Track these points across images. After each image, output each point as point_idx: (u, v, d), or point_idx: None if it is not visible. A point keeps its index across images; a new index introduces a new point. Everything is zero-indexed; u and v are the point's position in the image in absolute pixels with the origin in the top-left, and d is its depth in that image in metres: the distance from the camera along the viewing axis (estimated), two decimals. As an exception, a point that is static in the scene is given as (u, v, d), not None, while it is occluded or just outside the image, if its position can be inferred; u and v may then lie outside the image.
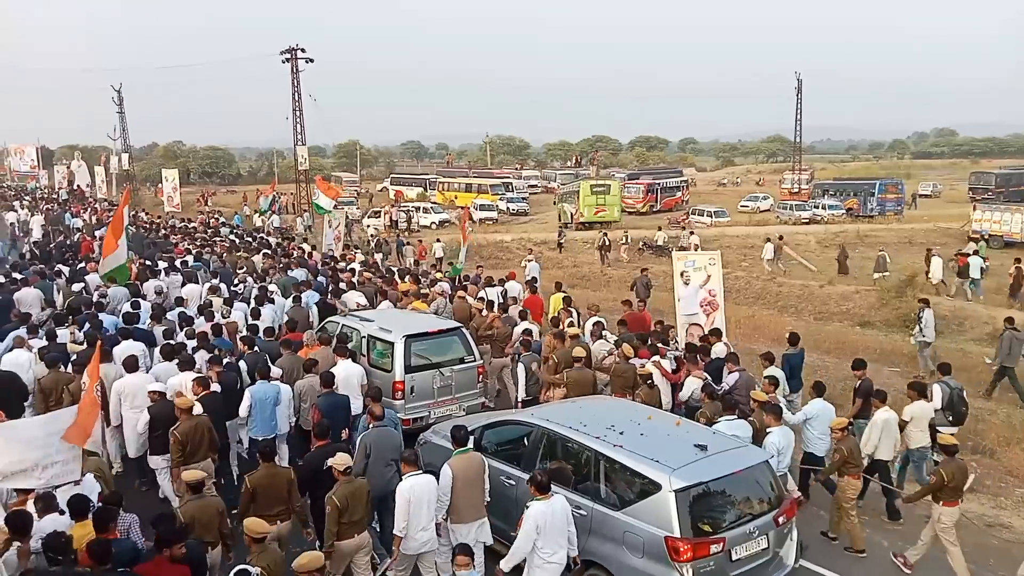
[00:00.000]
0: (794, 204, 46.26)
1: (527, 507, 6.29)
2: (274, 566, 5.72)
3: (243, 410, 8.62)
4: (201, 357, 9.66)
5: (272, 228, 34.43)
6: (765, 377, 9.68)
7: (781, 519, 6.77)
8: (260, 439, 8.44)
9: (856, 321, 22.47)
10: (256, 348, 10.24)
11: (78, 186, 56.37)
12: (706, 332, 12.81)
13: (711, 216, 43.28)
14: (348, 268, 18.21)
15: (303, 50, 45.12)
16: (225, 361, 9.47)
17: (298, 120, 45.94)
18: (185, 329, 11.13)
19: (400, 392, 10.14)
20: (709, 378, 9.72)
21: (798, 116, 55.90)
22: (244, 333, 11.12)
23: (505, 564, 6.40)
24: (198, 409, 7.86)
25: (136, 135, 71.35)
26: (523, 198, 53.22)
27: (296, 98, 45.60)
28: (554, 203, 49.85)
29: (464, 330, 11.39)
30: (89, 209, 37.37)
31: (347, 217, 32.86)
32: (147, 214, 37.40)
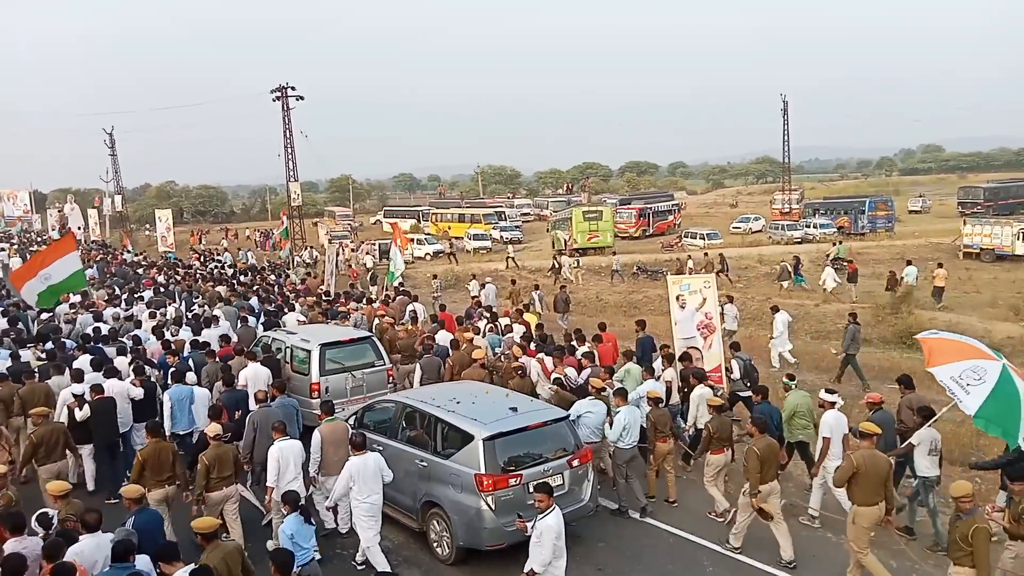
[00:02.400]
0: (785, 224, 46.56)
1: (349, 463, 8.12)
2: (230, 560, 6.17)
3: (166, 409, 10.42)
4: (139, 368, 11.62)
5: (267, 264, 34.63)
6: (614, 369, 11.83)
7: (575, 463, 8.65)
8: (180, 433, 10.37)
9: (853, 339, 22.45)
10: (183, 358, 12.28)
11: (70, 229, 56.43)
12: (704, 355, 12.95)
13: (704, 238, 43.49)
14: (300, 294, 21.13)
15: (293, 88, 45.46)
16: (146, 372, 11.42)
17: (290, 156, 46.19)
18: (134, 348, 13.23)
19: (316, 392, 12.01)
20: (569, 375, 11.56)
21: (785, 137, 56.43)
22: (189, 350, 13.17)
23: (328, 502, 8.68)
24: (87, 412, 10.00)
25: (128, 176, 71.72)
26: (516, 226, 53.39)
27: (287, 135, 45.86)
28: (547, 230, 50.02)
29: (375, 339, 13.44)
30: (79, 250, 37.57)
31: (339, 251, 32.98)
32: (140, 253, 37.69)
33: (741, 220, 53.04)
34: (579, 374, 11.71)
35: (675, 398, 11.96)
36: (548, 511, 6.68)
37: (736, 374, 12.48)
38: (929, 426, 8.82)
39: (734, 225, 51.74)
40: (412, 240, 43.74)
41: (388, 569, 7.67)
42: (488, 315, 16.50)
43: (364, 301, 19.58)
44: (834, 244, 35.62)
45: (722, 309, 17.70)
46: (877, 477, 7.59)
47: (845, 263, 30.84)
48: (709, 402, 9.83)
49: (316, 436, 8.92)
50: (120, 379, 11.03)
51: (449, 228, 53.97)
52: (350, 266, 36.26)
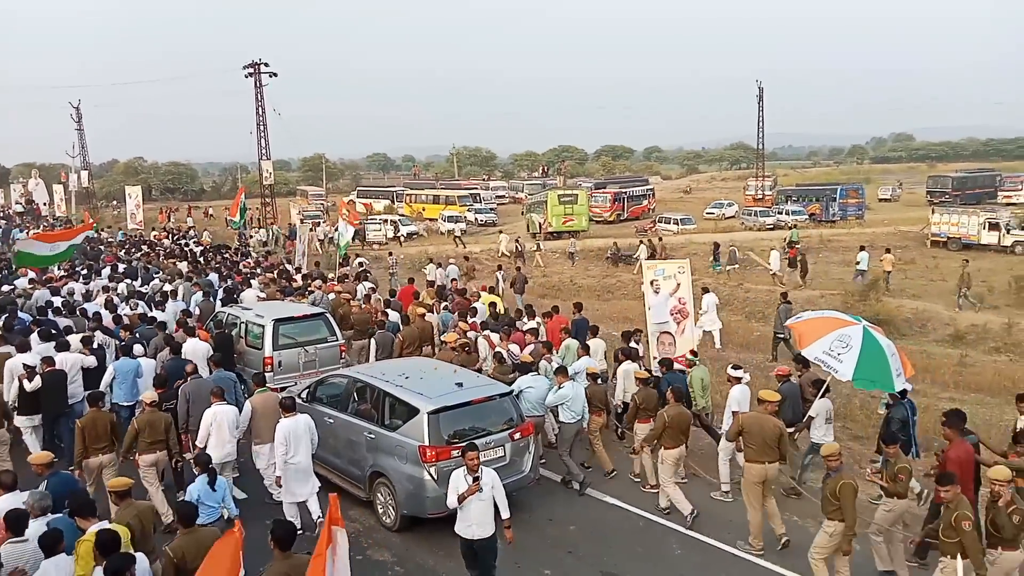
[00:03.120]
0: (758, 210, 46.95)
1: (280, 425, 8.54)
2: (143, 517, 6.50)
3: (105, 379, 10.72)
4: (100, 338, 12.25)
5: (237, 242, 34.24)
6: (551, 345, 12.23)
7: (516, 436, 8.99)
8: (123, 404, 10.55)
9: (822, 325, 22.76)
10: (133, 333, 12.52)
11: (35, 204, 55.17)
12: (676, 340, 13.05)
13: (678, 224, 43.71)
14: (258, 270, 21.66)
15: (266, 64, 44.74)
16: (96, 343, 11.78)
17: (262, 134, 45.50)
18: (94, 317, 13.68)
19: (269, 366, 12.34)
20: (512, 351, 11.99)
21: (760, 123, 56.78)
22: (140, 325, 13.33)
23: (277, 471, 8.67)
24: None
25: (95, 152, 70.16)
26: (491, 209, 53.23)
27: (260, 112, 45.16)
28: (522, 213, 49.93)
29: (328, 315, 13.71)
30: (43, 227, 37.10)
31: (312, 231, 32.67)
32: (101, 229, 37.18)
33: (715, 206, 53.40)
34: (522, 350, 12.04)
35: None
36: (479, 469, 7.01)
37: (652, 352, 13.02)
38: (821, 398, 9.45)
39: (707, 211, 52.07)
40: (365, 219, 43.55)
41: (297, 527, 8.28)
42: (447, 293, 17.02)
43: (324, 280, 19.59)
44: (789, 228, 37.21)
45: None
46: (765, 438, 8.20)
47: (794, 244, 32.63)
48: (636, 375, 10.50)
49: (247, 406, 9.40)
50: (69, 351, 11.15)
51: (423, 209, 53.63)
52: (322, 244, 36.04)
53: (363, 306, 15.68)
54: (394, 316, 14.52)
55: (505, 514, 7.13)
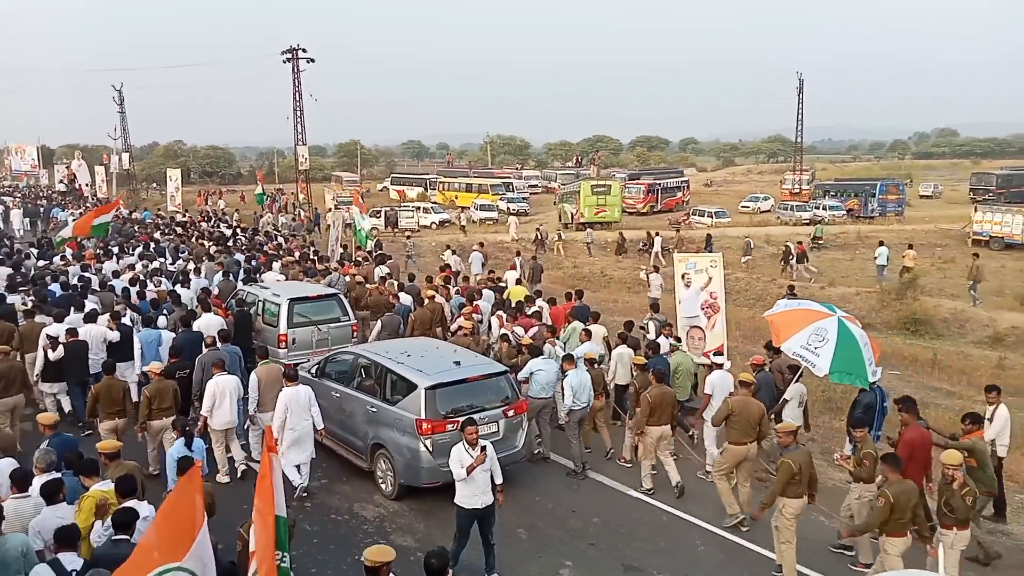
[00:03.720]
0: (794, 205, 46.16)
1: (282, 393, 9.09)
2: (132, 474, 6.92)
3: (136, 351, 11.41)
4: (129, 315, 12.85)
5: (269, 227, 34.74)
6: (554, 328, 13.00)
7: (510, 413, 9.52)
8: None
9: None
10: (159, 307, 13.55)
11: (79, 185, 56.37)
12: (707, 334, 12.91)
13: (711, 216, 43.21)
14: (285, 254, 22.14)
15: (304, 50, 45.16)
16: (124, 319, 12.36)
17: (299, 120, 45.95)
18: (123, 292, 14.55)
19: (283, 343, 12.94)
20: (516, 332, 12.44)
21: (799, 116, 55.82)
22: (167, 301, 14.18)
23: (275, 432, 8.56)
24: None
25: (136, 134, 71.28)
26: (523, 198, 53.05)
27: (297, 98, 45.63)
28: (554, 203, 49.74)
29: (341, 296, 14.28)
30: (83, 207, 38.14)
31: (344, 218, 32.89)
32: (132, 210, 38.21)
33: (750, 199, 52.61)
34: (527, 332, 12.55)
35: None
36: (478, 442, 7.42)
37: (652, 335, 13.03)
38: (795, 382, 9.81)
39: (742, 204, 51.34)
40: (417, 208, 43.88)
41: (300, 480, 9.29)
42: (457, 279, 17.79)
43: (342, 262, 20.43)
44: (815, 224, 37.83)
45: (648, 277, 21.54)
46: (750, 419, 8.63)
47: (817, 240, 34.33)
48: (634, 360, 10.91)
49: (253, 377, 9.90)
50: (96, 324, 11.91)
51: (456, 198, 53.74)
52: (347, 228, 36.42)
53: (380, 288, 16.05)
54: (406, 299, 15.00)
55: (498, 480, 7.61)
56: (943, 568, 6.15)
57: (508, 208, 48.29)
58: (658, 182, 51.70)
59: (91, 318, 11.96)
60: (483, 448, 7.39)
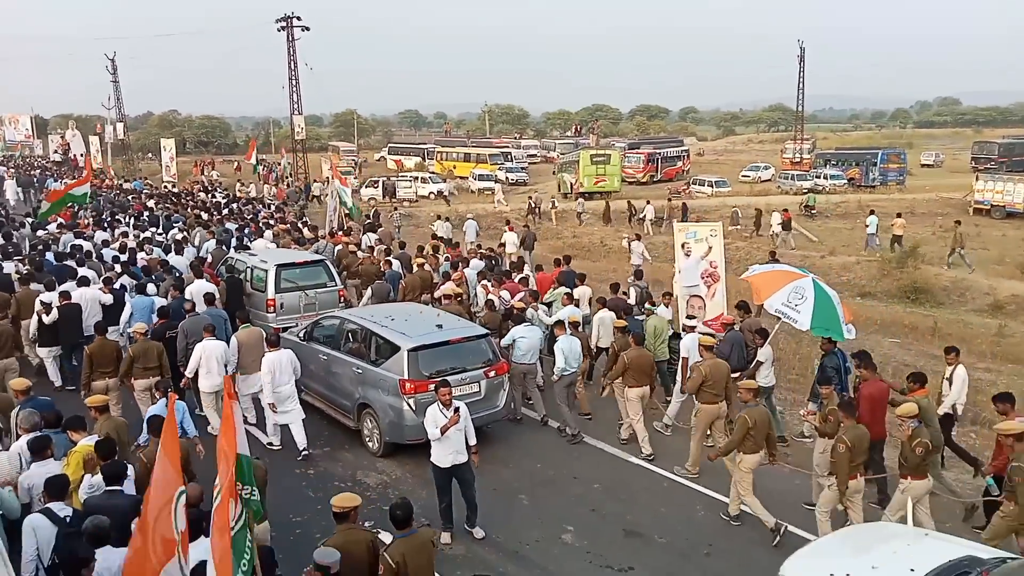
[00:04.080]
0: (795, 174, 45.91)
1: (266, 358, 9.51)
2: (120, 430, 7.38)
3: (124, 314, 11.66)
4: (124, 279, 13.42)
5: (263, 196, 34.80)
6: (537, 293, 13.04)
7: (491, 374, 9.82)
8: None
9: (857, 291, 22.40)
10: (151, 275, 13.88)
11: (73, 155, 55.94)
12: (706, 303, 12.89)
13: (712, 186, 42.98)
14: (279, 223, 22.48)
15: (298, 18, 44.42)
16: (117, 283, 12.90)
17: (294, 89, 45.41)
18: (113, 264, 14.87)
19: (272, 307, 13.25)
20: (503, 297, 12.78)
21: (800, 85, 55.22)
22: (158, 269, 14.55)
23: (265, 399, 9.64)
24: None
25: (131, 104, 70.43)
26: (522, 168, 52.72)
27: (292, 67, 45.00)
28: (553, 173, 49.41)
29: (328, 262, 14.60)
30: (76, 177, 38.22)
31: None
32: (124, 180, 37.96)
33: (750, 169, 52.31)
34: (513, 297, 12.82)
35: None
36: (453, 403, 7.62)
37: (632, 300, 13.40)
38: (765, 345, 10.05)
39: (743, 174, 51.04)
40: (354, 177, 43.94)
41: (276, 444, 9.84)
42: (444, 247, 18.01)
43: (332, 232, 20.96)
44: (807, 193, 38.58)
45: (629, 245, 21.87)
46: (719, 381, 9.07)
47: (809, 208, 35.52)
48: (615, 324, 11.02)
49: (234, 340, 10.24)
50: (89, 287, 12.35)
51: (454, 167, 53.38)
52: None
53: (370, 257, 16.48)
54: (396, 266, 15.32)
55: (472, 441, 7.80)
56: (911, 519, 7.01)
57: (507, 178, 48.01)
58: (658, 151, 51.37)
59: (84, 282, 12.34)
60: (456, 409, 7.57)
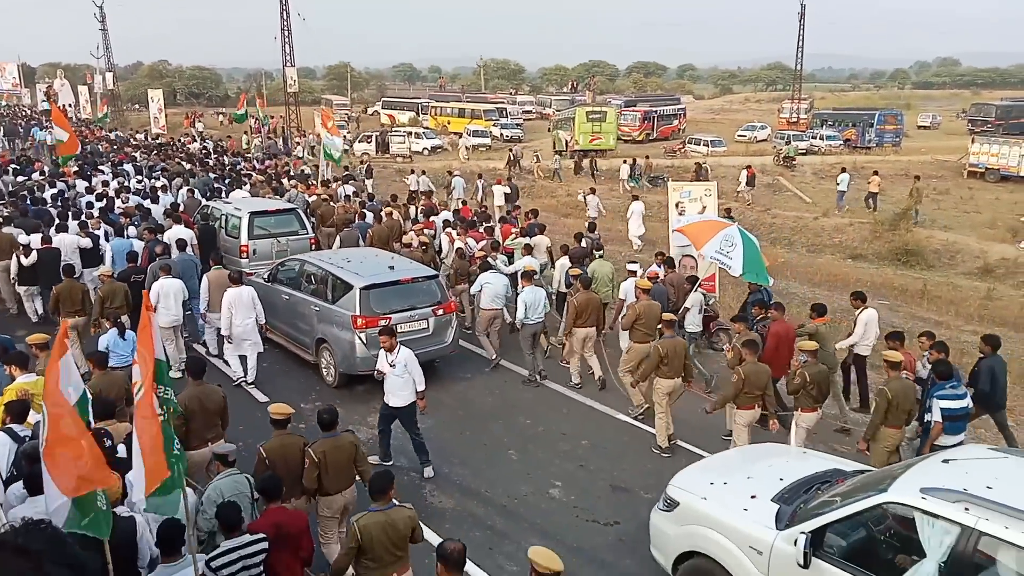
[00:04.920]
0: (791, 134, 45.59)
1: (226, 293, 10.12)
2: (112, 386, 7.41)
3: (107, 257, 12.41)
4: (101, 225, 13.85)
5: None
6: (498, 243, 13.47)
7: (439, 312, 10.61)
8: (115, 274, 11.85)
9: (848, 254, 22.48)
10: (132, 219, 14.42)
11: (62, 105, 55.04)
12: (699, 263, 12.89)
13: (707, 145, 42.71)
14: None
15: (291, -34, 43.45)
16: (97, 229, 13.46)
17: (286, 40, 44.63)
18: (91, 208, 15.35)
19: (245, 253, 13.91)
20: (468, 244, 13.44)
21: (800, 43, 54.53)
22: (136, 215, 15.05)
23: (223, 331, 10.35)
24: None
25: (120, 54, 69.02)
26: (517, 124, 52.17)
27: (284, 17, 44.19)
28: (549, 130, 48.94)
29: (299, 211, 15.30)
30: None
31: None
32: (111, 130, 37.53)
33: (747, 128, 51.90)
34: (478, 244, 13.50)
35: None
36: (397, 348, 8.06)
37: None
38: (695, 291, 10.91)
39: (739, 133, 50.68)
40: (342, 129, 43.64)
41: (241, 375, 10.47)
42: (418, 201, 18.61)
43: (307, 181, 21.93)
44: (787, 143, 39.90)
45: (585, 199, 22.72)
46: (652, 321, 9.71)
47: (789, 159, 36.79)
48: (570, 271, 11.63)
49: (204, 280, 10.98)
50: (68, 232, 13.01)
51: (448, 123, 52.80)
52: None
53: (344, 205, 17.29)
54: (369, 217, 15.86)
55: (420, 387, 8.18)
56: (794, 440, 7.95)
57: (502, 134, 47.53)
58: (654, 109, 50.88)
59: (63, 227, 12.98)
60: (391, 364, 8.07)
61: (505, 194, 22.88)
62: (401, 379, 8.05)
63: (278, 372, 11.21)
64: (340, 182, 21.19)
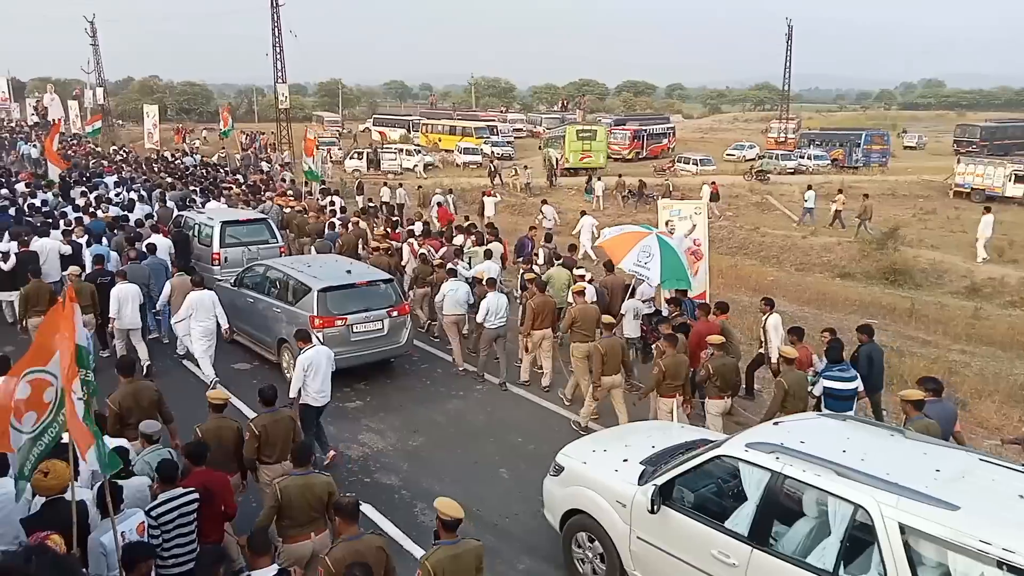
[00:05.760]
0: (779, 154, 46.01)
1: (188, 296, 10.61)
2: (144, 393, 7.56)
3: (87, 260, 12.54)
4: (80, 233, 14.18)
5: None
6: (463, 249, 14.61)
7: (394, 314, 11.24)
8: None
9: (837, 272, 22.64)
10: (112, 229, 14.90)
11: (53, 120, 54.90)
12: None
13: (697, 164, 43.03)
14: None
15: (283, -17, 43.69)
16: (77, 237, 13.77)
17: (278, 57, 44.80)
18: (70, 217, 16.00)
19: (216, 261, 14.49)
20: (429, 250, 14.30)
21: (787, 64, 55.26)
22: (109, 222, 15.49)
23: (176, 327, 11.12)
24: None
25: (111, 69, 69.10)
26: (508, 142, 52.41)
27: (276, 33, 44.37)
28: (539, 148, 49.22)
29: (270, 220, 16.03)
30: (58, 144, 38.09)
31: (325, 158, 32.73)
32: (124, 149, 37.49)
33: (735, 147, 52.37)
34: (437, 251, 14.35)
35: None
36: (307, 348, 8.53)
37: (541, 260, 14.65)
38: (629, 299, 11.33)
39: (728, 152, 51.13)
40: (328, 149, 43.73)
41: (212, 374, 10.73)
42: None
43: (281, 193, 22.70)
44: (758, 159, 42.54)
45: (541, 209, 23.81)
46: (588, 323, 10.30)
47: (764, 175, 38.56)
48: (526, 277, 12.40)
49: (167, 285, 11.57)
50: (50, 238, 13.49)
51: (439, 140, 52.98)
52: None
53: (320, 216, 18.03)
54: (339, 227, 16.61)
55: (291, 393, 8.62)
56: (676, 418, 8.75)
57: (492, 152, 47.73)
58: (644, 128, 51.28)
59: (45, 233, 13.44)
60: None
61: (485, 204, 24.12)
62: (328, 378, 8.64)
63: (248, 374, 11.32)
64: (318, 196, 22.11)
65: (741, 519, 5.60)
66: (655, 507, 5.94)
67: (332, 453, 8.90)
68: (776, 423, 6.32)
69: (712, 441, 6.70)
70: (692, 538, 5.82)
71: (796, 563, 5.18)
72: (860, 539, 4.97)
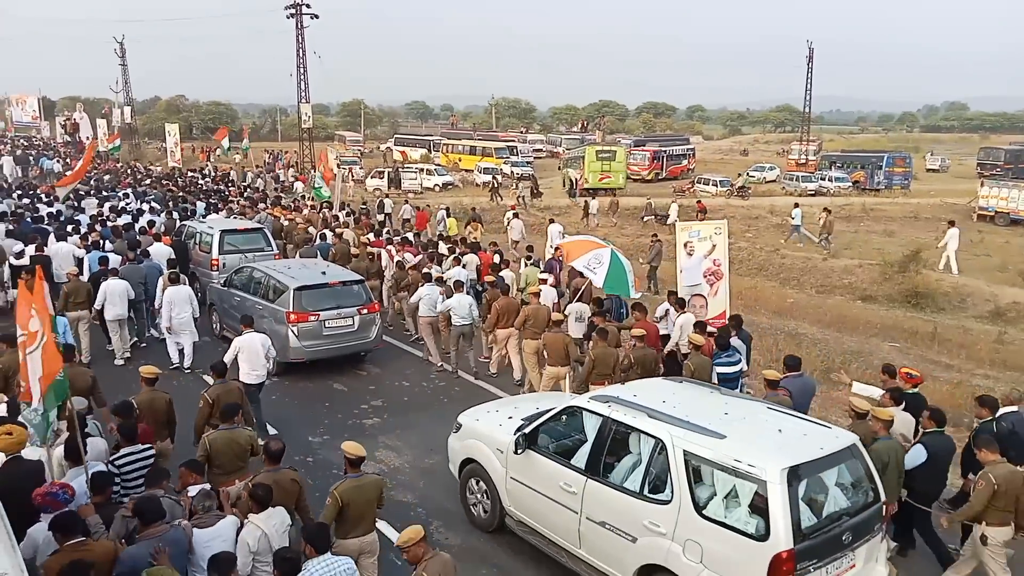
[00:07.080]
0: (800, 176, 45.84)
1: (164, 291, 12.16)
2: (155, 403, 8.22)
3: (85, 265, 13.77)
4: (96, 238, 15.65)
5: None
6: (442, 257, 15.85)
7: (364, 311, 12.52)
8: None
9: (858, 295, 22.42)
10: (123, 236, 16.13)
11: (80, 137, 56.02)
12: (708, 302, 12.90)
13: (716, 185, 42.97)
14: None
15: (308, 5, 44.49)
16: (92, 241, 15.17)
17: (302, 77, 45.48)
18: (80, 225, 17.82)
19: (215, 266, 15.63)
20: (406, 258, 15.41)
21: (808, 86, 55.18)
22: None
23: (163, 321, 12.22)
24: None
25: (138, 88, 70.34)
26: (527, 162, 52.67)
27: (300, 54, 45.11)
28: (559, 168, 49.40)
29: (266, 229, 17.41)
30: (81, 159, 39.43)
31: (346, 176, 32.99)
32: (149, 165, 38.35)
33: (755, 169, 52.25)
34: (415, 258, 15.51)
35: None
36: (245, 332, 9.74)
37: (522, 269, 15.68)
38: (575, 302, 12.48)
39: (749, 173, 50.98)
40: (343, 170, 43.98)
41: (177, 362, 12.25)
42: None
43: (273, 205, 24.41)
44: (740, 175, 43.65)
45: (509, 223, 24.32)
46: (539, 322, 11.41)
47: (743, 190, 40.33)
48: (487, 280, 13.51)
49: (160, 284, 12.88)
50: (67, 242, 15.09)
51: (460, 160, 53.33)
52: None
53: (307, 228, 19.27)
54: (330, 238, 17.85)
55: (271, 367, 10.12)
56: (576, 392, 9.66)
57: (512, 172, 47.97)
58: (663, 149, 51.32)
59: (61, 238, 14.79)
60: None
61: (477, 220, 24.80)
62: (260, 357, 9.68)
63: (314, 426, 11.11)
64: (324, 212, 23.32)
65: (581, 456, 6.91)
66: (519, 450, 7.25)
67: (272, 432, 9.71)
68: (625, 384, 7.63)
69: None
70: (549, 475, 7.06)
71: (615, 487, 6.50)
72: (661, 464, 6.23)
